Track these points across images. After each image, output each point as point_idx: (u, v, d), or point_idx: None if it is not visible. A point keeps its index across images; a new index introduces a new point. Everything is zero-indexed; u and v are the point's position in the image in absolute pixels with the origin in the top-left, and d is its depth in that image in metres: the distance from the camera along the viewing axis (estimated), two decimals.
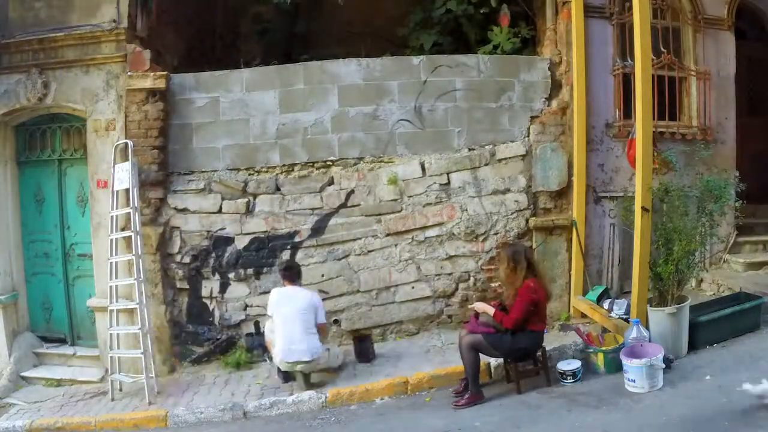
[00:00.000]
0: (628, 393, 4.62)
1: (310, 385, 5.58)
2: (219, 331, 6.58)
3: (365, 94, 6.59)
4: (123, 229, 6.26)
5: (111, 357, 6.11)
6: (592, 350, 5.31)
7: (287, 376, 5.76)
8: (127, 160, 6.21)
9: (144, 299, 6.06)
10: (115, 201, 6.28)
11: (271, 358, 5.91)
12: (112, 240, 6.24)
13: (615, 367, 5.07)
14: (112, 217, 6.26)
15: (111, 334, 6.15)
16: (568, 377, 5.11)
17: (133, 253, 6.08)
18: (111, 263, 6.22)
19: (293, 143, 6.57)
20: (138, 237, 6.09)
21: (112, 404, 5.94)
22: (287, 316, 5.54)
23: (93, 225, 6.61)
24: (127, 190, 6.19)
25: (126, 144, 6.28)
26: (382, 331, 6.63)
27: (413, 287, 6.56)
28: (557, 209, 6.67)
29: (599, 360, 5.21)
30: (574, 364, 5.19)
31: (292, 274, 5.79)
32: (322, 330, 5.68)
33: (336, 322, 6.62)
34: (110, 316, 6.19)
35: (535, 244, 6.61)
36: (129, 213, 6.16)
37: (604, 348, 5.22)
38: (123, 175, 6.20)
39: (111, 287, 6.18)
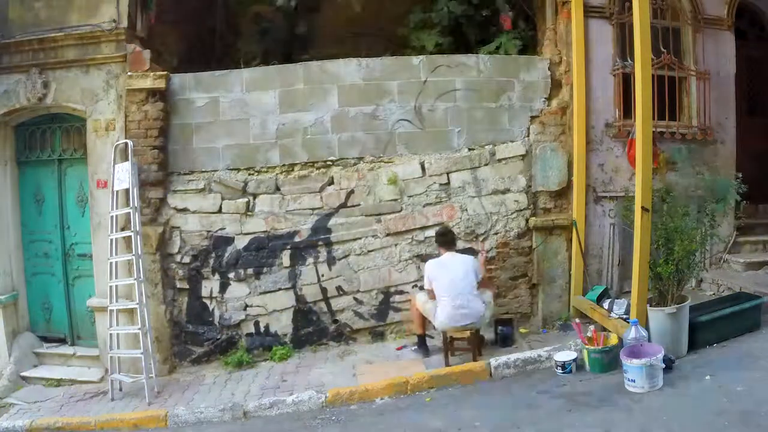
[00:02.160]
0: (628, 393, 4.62)
1: (453, 352, 5.80)
2: (219, 331, 6.58)
3: (365, 94, 6.59)
4: (123, 229, 6.26)
5: (111, 357, 6.11)
6: (581, 348, 5.33)
7: (427, 350, 6.00)
8: (127, 160, 6.21)
9: (144, 299, 6.06)
10: (115, 201, 6.28)
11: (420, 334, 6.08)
12: (112, 240, 6.24)
13: (600, 367, 5.12)
14: (112, 217, 6.26)
15: (111, 334, 6.15)
16: (563, 368, 5.21)
17: (133, 253, 6.08)
18: (111, 263, 6.22)
19: (293, 143, 6.57)
20: (138, 237, 6.09)
21: (112, 404, 5.94)
22: (454, 283, 5.64)
23: (93, 225, 6.61)
24: (127, 190, 6.19)
25: (126, 144, 6.28)
26: (382, 330, 6.64)
27: (413, 287, 6.55)
28: (557, 209, 6.67)
29: (585, 358, 5.24)
30: (570, 356, 5.25)
31: (448, 241, 5.95)
32: (484, 284, 5.94)
33: (335, 321, 6.62)
34: (110, 316, 6.19)
35: (535, 244, 6.62)
36: (129, 213, 6.16)
37: (588, 347, 5.23)
38: (123, 175, 6.20)
39: (111, 287, 6.18)
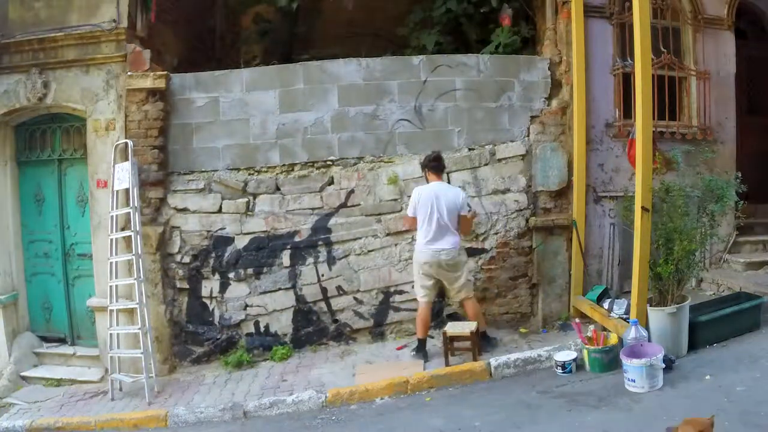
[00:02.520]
0: (628, 393, 4.62)
1: (453, 352, 5.72)
2: (219, 330, 6.58)
3: (365, 94, 6.59)
4: (123, 229, 6.25)
5: (111, 357, 6.11)
6: (581, 348, 5.33)
7: (426, 355, 5.87)
8: (127, 159, 6.21)
9: (144, 299, 6.06)
10: (115, 201, 6.27)
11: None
12: (112, 240, 6.24)
13: (600, 367, 5.13)
14: (112, 216, 6.26)
15: (111, 334, 6.15)
16: (563, 368, 5.20)
17: (133, 252, 6.08)
18: (111, 263, 6.22)
19: (293, 143, 6.57)
20: (138, 237, 6.09)
21: (112, 404, 5.94)
22: (430, 214, 5.72)
23: (93, 225, 6.61)
24: (127, 190, 6.19)
25: (126, 144, 6.28)
26: (382, 330, 6.64)
27: (413, 287, 6.54)
28: (557, 209, 6.67)
29: (585, 357, 5.24)
30: (570, 356, 5.26)
31: (441, 167, 5.99)
32: (466, 222, 5.90)
33: (335, 321, 6.62)
34: (110, 316, 6.19)
35: (535, 244, 6.62)
36: (129, 213, 6.16)
37: (588, 347, 5.24)
38: (123, 175, 6.20)
39: (111, 287, 6.18)
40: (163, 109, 6.41)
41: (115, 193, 6.28)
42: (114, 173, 6.28)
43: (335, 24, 8.24)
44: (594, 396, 4.69)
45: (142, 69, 6.40)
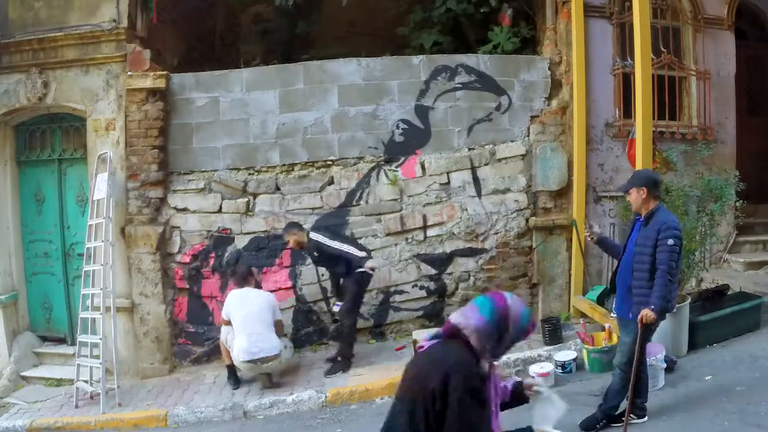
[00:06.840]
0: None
1: (272, 384, 5.69)
2: (219, 330, 6.56)
3: (365, 94, 6.59)
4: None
5: (78, 364, 6.01)
6: (581, 348, 5.33)
7: (237, 380, 5.82)
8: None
9: (113, 310, 5.94)
10: (95, 210, 6.20)
11: (229, 365, 5.84)
12: (88, 248, 6.16)
13: (599, 367, 5.13)
14: (89, 226, 6.20)
15: (79, 341, 6.09)
16: (563, 368, 5.22)
17: (103, 262, 5.94)
18: (85, 272, 6.14)
19: (293, 143, 6.56)
20: (110, 248, 5.99)
21: (112, 405, 5.93)
22: (248, 316, 5.57)
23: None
24: (103, 200, 6.07)
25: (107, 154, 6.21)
26: (382, 330, 6.63)
27: (413, 287, 6.55)
28: (557, 209, 6.66)
29: (585, 358, 5.24)
30: (570, 356, 5.27)
31: (247, 280, 5.86)
32: (278, 326, 5.77)
33: (336, 321, 6.62)
34: (80, 324, 6.10)
35: (535, 244, 6.62)
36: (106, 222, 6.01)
37: (588, 347, 5.23)
38: (102, 185, 6.11)
39: (84, 295, 6.10)
40: (163, 109, 6.41)
41: (94, 202, 6.20)
42: (95, 183, 6.20)
43: (335, 24, 8.24)
44: (594, 396, 4.69)
45: (142, 69, 6.40)
